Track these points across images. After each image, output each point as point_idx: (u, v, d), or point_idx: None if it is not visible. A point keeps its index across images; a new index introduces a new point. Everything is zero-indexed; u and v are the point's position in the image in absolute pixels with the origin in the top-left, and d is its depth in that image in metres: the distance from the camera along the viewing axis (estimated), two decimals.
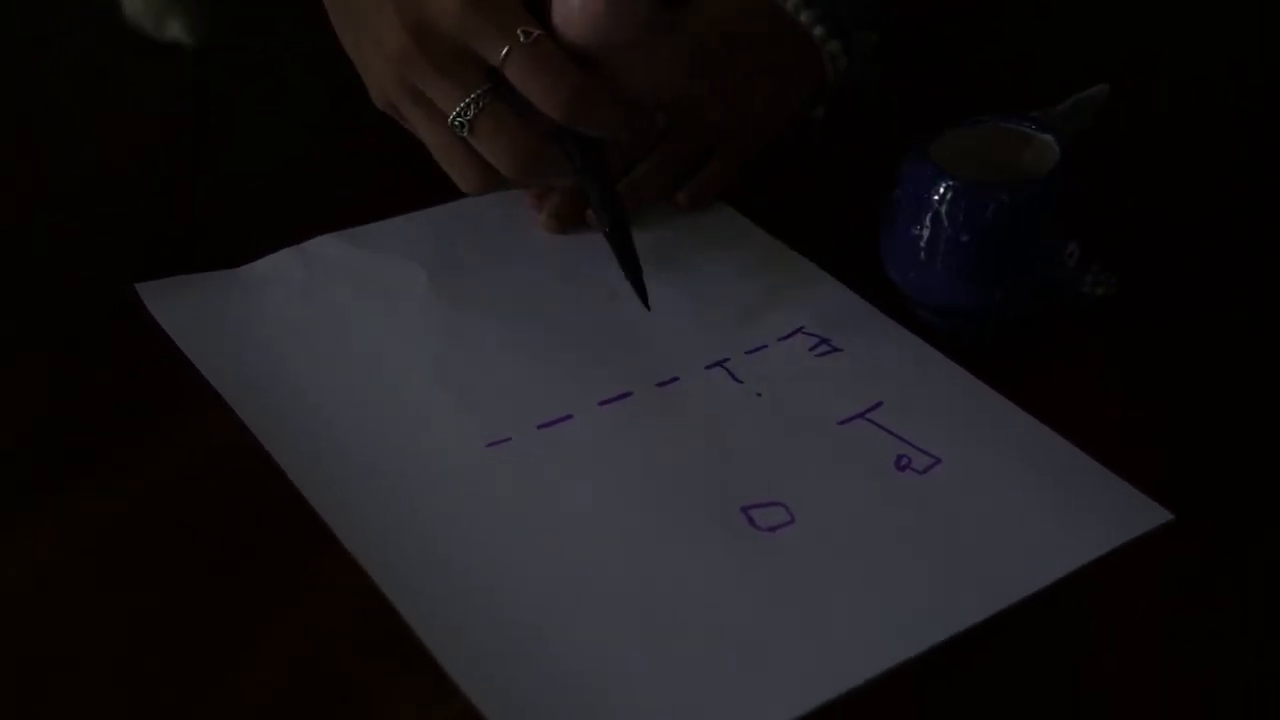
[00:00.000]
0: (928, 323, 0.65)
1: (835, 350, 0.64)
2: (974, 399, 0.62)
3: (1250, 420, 0.61)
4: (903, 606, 0.53)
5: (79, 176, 0.77)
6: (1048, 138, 0.64)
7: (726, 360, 0.64)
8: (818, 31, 0.75)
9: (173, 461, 0.59)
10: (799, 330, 0.65)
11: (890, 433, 0.60)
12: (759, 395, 0.62)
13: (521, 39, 0.60)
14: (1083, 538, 0.55)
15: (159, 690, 0.50)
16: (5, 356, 0.64)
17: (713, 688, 0.50)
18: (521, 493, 0.57)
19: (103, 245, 0.71)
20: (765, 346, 0.65)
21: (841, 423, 0.60)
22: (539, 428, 0.60)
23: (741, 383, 0.63)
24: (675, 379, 0.63)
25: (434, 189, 0.67)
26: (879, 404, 0.61)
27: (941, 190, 0.61)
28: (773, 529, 0.55)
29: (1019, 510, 0.56)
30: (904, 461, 0.58)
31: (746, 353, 0.64)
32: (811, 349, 0.64)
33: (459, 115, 0.61)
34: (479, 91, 0.61)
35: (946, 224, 0.61)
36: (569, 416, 0.61)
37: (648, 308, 0.65)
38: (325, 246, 0.70)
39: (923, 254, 0.62)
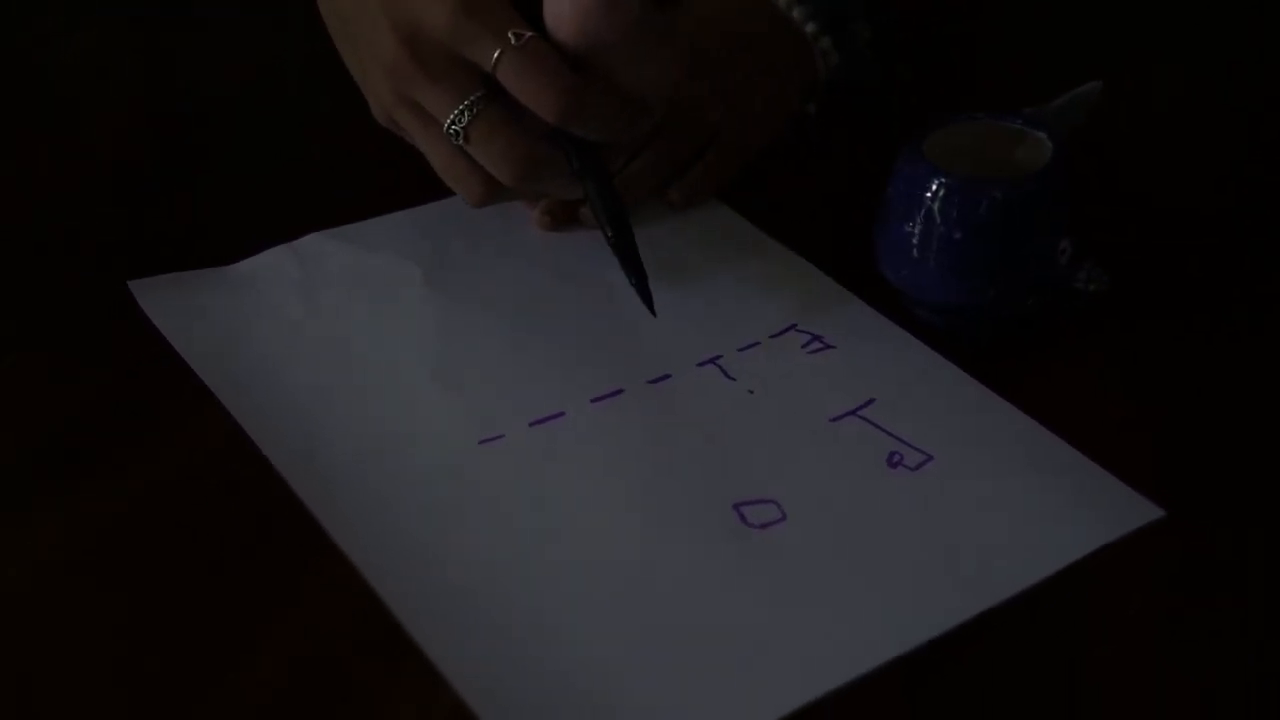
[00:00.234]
0: (926, 322, 0.65)
1: (827, 347, 0.64)
2: (966, 396, 0.62)
3: (1245, 418, 0.61)
4: (895, 603, 0.53)
5: (78, 176, 0.77)
6: (1041, 134, 0.64)
7: (719, 357, 0.64)
8: (809, 28, 0.75)
9: (173, 461, 0.59)
10: (791, 327, 0.66)
11: (882, 429, 0.60)
12: (751, 392, 0.62)
13: (513, 41, 0.59)
14: (1074, 534, 0.55)
15: (159, 690, 0.50)
16: (4, 356, 0.64)
17: (703, 684, 0.50)
18: (513, 490, 0.57)
19: (102, 245, 0.71)
20: (757, 344, 0.65)
21: (834, 420, 0.61)
22: (531, 425, 0.60)
23: (734, 380, 0.63)
24: (667, 376, 0.63)
25: (433, 189, 0.67)
26: (871, 401, 0.61)
27: (934, 187, 0.61)
28: (764, 526, 0.56)
29: (1010, 507, 0.56)
30: (896, 458, 0.59)
31: (739, 350, 0.64)
32: (804, 346, 0.65)
33: (454, 123, 0.61)
34: (473, 98, 0.61)
35: (939, 221, 0.61)
36: (561, 413, 0.61)
37: (653, 314, 0.63)
38: (318, 244, 0.70)
39: (916, 251, 0.62)
